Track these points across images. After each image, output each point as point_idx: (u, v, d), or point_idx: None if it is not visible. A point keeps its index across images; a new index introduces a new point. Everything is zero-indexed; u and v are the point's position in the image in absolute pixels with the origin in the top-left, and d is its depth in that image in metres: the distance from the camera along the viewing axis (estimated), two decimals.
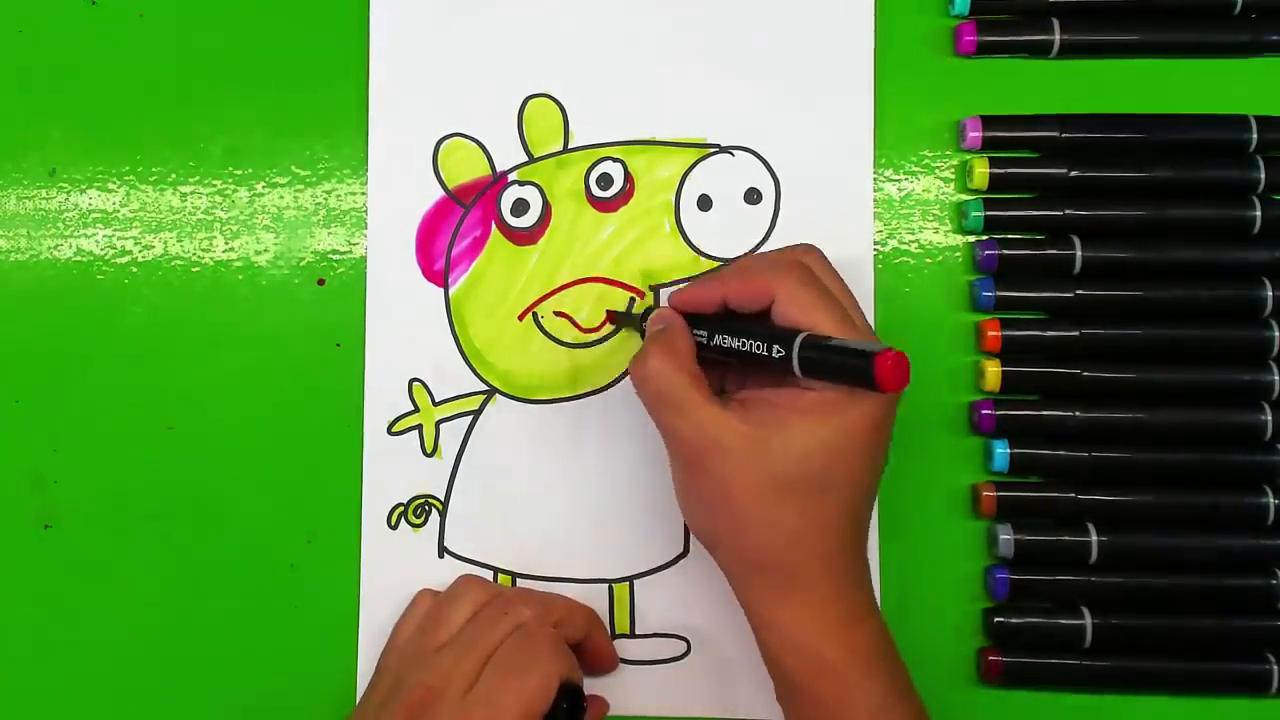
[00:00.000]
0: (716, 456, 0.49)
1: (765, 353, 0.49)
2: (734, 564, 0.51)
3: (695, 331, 0.52)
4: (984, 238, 0.57)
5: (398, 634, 0.55)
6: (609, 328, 0.57)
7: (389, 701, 0.52)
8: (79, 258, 0.59)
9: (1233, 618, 0.56)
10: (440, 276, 0.58)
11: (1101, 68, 0.58)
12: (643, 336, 0.54)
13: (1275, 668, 0.55)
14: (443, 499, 0.57)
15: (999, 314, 0.57)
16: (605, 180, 0.58)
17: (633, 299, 0.57)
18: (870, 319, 0.57)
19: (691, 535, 0.57)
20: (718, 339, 0.51)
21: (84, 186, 0.59)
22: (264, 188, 0.59)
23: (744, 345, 0.50)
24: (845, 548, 0.50)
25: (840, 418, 0.48)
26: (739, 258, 0.57)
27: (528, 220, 0.58)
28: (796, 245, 0.54)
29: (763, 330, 0.50)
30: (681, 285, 0.55)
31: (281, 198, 0.59)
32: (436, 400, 0.58)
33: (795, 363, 0.48)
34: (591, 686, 0.56)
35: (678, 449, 0.50)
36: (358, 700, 0.56)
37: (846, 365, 0.47)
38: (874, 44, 0.58)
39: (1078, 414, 0.56)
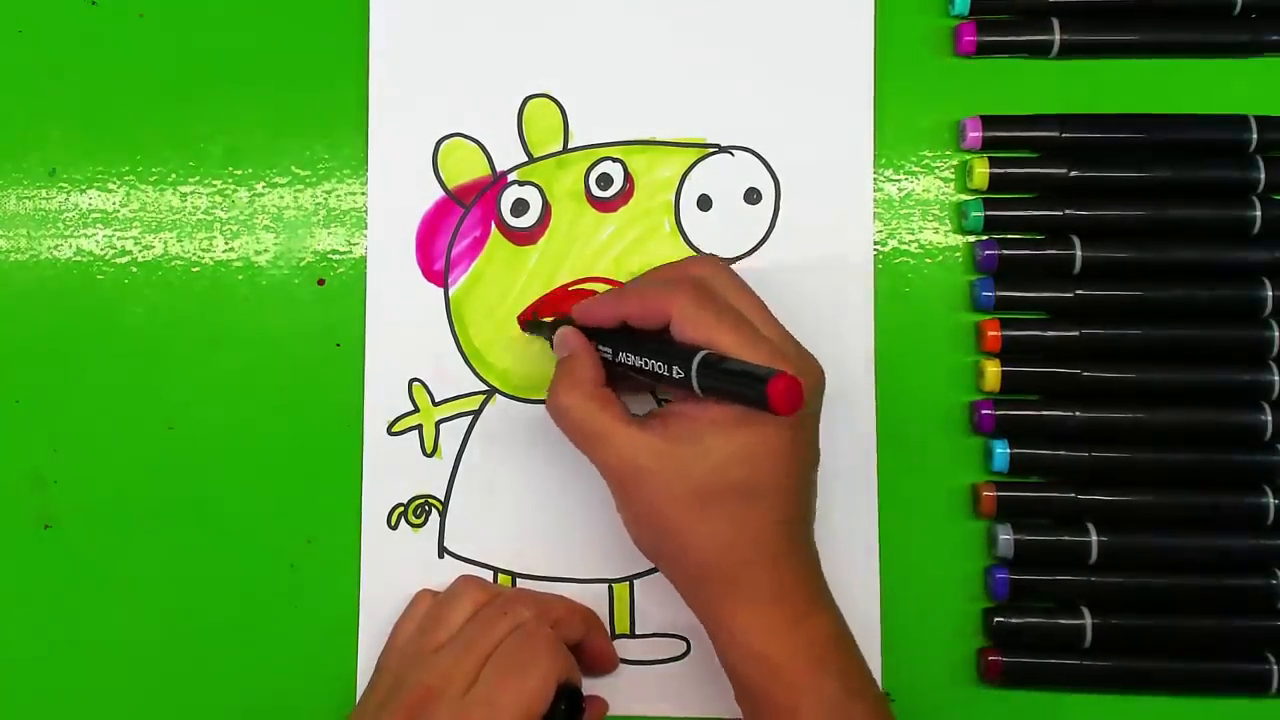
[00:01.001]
0: (640, 477, 0.50)
1: (666, 373, 0.49)
2: (677, 576, 0.52)
3: (601, 348, 0.52)
4: (984, 238, 0.57)
5: (397, 634, 0.55)
6: None
7: (388, 701, 0.52)
8: (79, 258, 0.59)
9: (1233, 618, 0.56)
10: (440, 276, 0.58)
11: (1101, 68, 0.58)
12: (553, 348, 0.54)
13: (1275, 668, 0.55)
14: (443, 499, 0.57)
15: (999, 314, 0.57)
16: (605, 180, 0.58)
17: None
18: (870, 319, 0.57)
19: None
20: (622, 356, 0.52)
21: (84, 186, 0.59)
22: (264, 188, 0.59)
23: (646, 364, 0.50)
24: (783, 549, 0.50)
25: (753, 428, 0.49)
26: (645, 273, 0.56)
27: (528, 220, 0.58)
28: (694, 258, 0.55)
29: (663, 350, 0.50)
30: (587, 300, 0.55)
31: (281, 198, 0.59)
32: (436, 400, 0.58)
33: (694, 384, 0.48)
34: (591, 686, 0.56)
35: (604, 475, 0.51)
36: (358, 700, 0.56)
37: (740, 389, 0.47)
38: (874, 44, 0.58)
39: (1078, 414, 0.56)
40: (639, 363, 0.51)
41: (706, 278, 0.52)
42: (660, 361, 0.50)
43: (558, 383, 0.52)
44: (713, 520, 0.49)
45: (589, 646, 0.55)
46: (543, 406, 0.57)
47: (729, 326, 0.49)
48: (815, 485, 0.52)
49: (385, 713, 0.51)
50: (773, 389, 0.46)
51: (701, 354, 0.49)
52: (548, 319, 0.57)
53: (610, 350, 0.52)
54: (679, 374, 0.49)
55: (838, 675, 0.50)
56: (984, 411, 0.56)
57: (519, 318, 0.58)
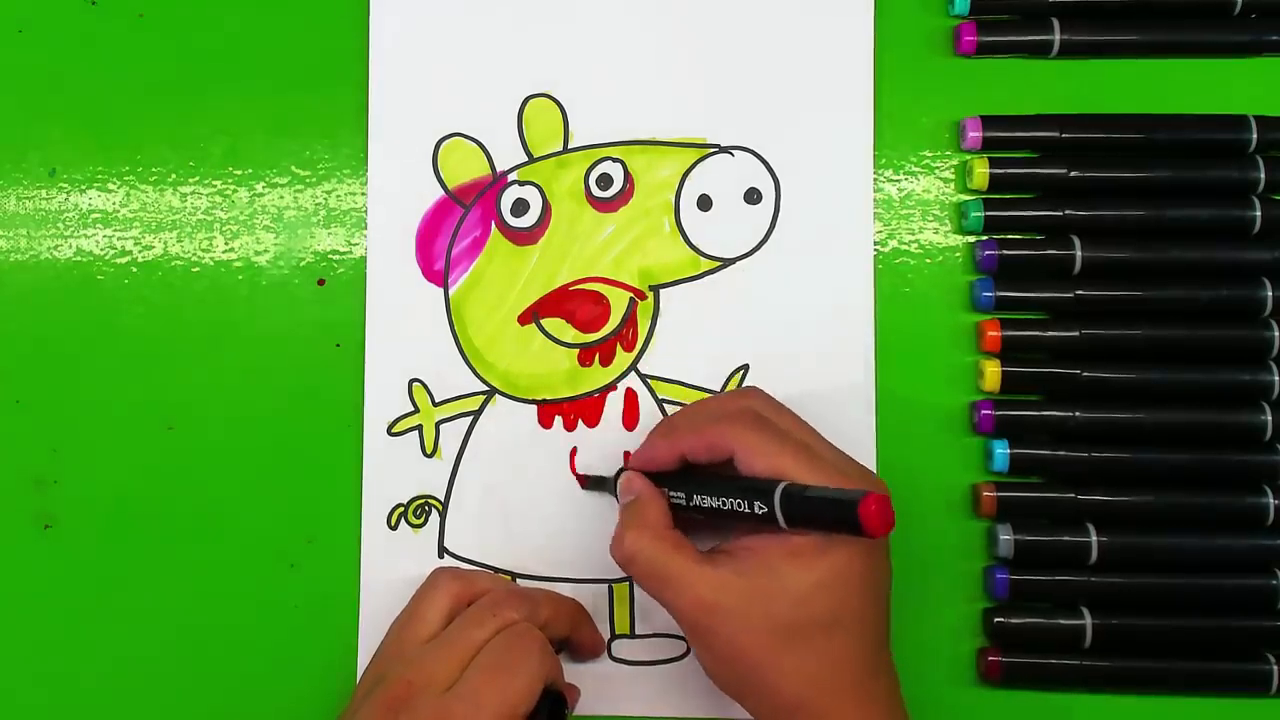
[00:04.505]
0: (719, 617, 0.49)
1: (747, 510, 0.49)
2: (762, 711, 0.51)
3: (672, 493, 0.52)
4: (984, 238, 0.57)
5: (388, 633, 0.55)
6: (609, 327, 0.57)
7: (370, 695, 0.51)
8: (79, 258, 0.59)
9: (1233, 618, 0.56)
10: (440, 276, 0.58)
11: (1101, 68, 0.58)
12: (617, 499, 0.54)
13: (1275, 668, 0.55)
14: (443, 499, 0.57)
15: (999, 314, 0.57)
16: (605, 180, 0.58)
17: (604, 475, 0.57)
18: (870, 319, 0.57)
19: None
20: (696, 499, 0.51)
21: (84, 186, 0.59)
22: (264, 188, 0.59)
23: (724, 504, 0.50)
24: (869, 678, 0.49)
25: (831, 557, 0.48)
26: (688, 406, 0.56)
27: (528, 220, 0.58)
28: (739, 390, 0.54)
29: (739, 486, 0.49)
30: (641, 446, 0.54)
31: (281, 198, 0.59)
32: (436, 400, 0.58)
33: (779, 518, 0.48)
34: (590, 687, 0.56)
35: (678, 618, 0.50)
36: None
37: (830, 516, 0.47)
38: (874, 44, 0.58)
39: (1078, 414, 0.56)
40: (715, 504, 0.50)
41: (757, 407, 0.51)
42: (739, 499, 0.49)
43: (624, 528, 0.51)
44: (798, 654, 0.48)
45: (576, 638, 0.55)
46: (543, 406, 0.57)
47: (792, 454, 0.49)
48: (891, 606, 0.51)
49: (366, 706, 0.51)
50: (864, 511, 0.45)
51: (782, 486, 0.48)
52: (607, 475, 0.56)
53: (682, 495, 0.51)
54: (761, 509, 0.48)
55: None
56: (984, 411, 0.56)
57: (577, 477, 0.57)
